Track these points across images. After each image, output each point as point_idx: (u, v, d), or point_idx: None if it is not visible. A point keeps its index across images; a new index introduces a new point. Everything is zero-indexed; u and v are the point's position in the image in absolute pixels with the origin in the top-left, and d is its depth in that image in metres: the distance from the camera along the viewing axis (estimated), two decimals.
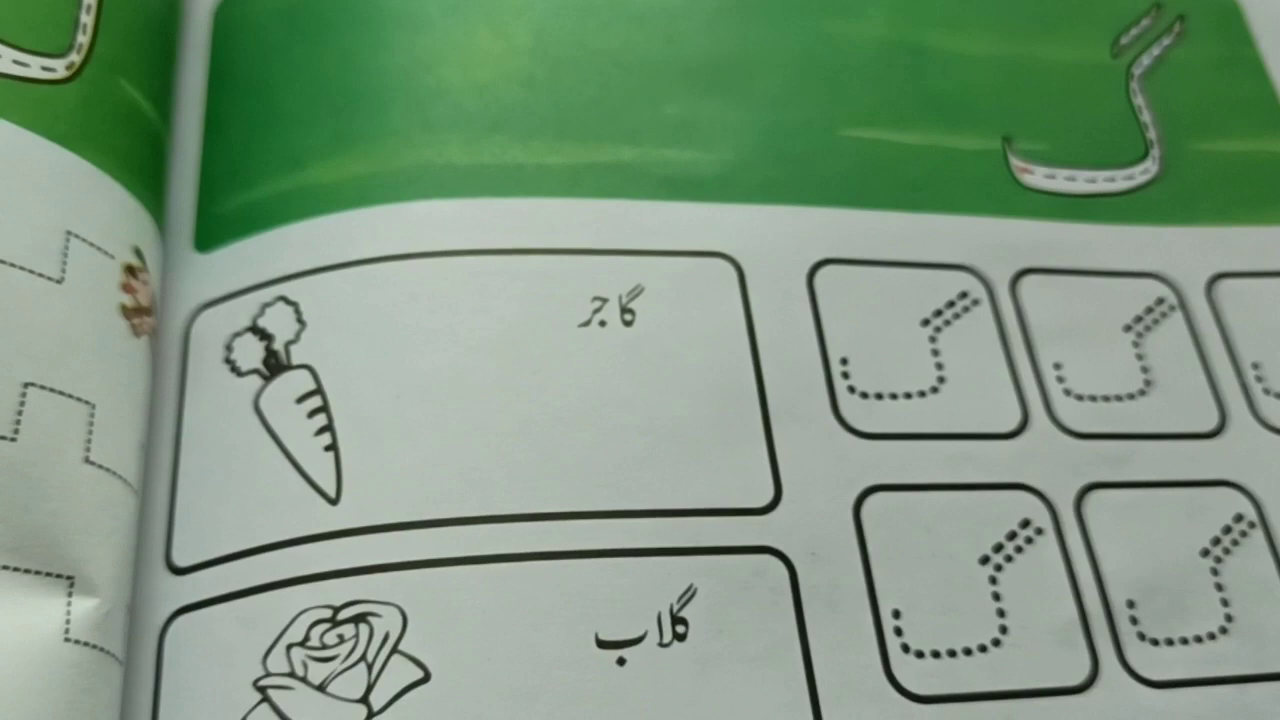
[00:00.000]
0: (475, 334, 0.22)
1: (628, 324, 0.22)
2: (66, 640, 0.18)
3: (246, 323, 0.22)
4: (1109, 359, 0.24)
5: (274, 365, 0.22)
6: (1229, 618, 0.22)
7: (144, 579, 0.20)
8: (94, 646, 0.18)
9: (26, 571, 0.18)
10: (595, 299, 0.23)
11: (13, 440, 0.18)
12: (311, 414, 0.21)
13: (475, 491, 0.21)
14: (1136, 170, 0.27)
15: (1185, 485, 0.23)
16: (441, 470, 0.21)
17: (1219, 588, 0.22)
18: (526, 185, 0.23)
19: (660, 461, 0.21)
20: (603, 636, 0.20)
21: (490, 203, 0.23)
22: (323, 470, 0.21)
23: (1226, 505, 0.23)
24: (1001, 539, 0.22)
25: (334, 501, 0.20)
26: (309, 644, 0.19)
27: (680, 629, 0.20)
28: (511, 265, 0.23)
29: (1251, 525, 0.23)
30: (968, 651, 0.21)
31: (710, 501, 0.21)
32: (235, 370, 0.22)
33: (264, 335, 0.22)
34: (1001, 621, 0.21)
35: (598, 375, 0.22)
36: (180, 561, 0.20)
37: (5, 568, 0.18)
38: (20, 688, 0.17)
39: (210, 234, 0.23)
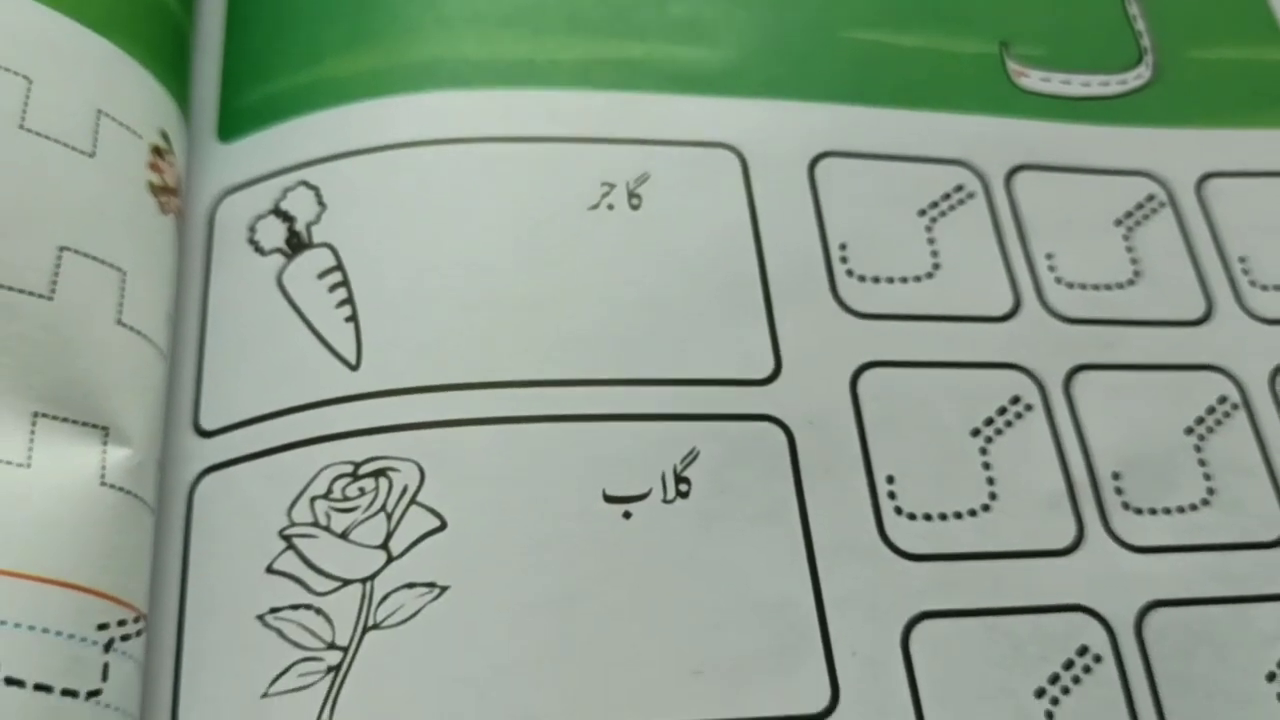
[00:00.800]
0: (489, 215, 0.23)
1: (635, 208, 0.23)
2: (103, 484, 0.19)
3: (269, 206, 0.23)
4: (1099, 250, 0.25)
5: (296, 244, 0.23)
6: (1211, 490, 0.23)
7: (173, 442, 0.21)
8: (128, 492, 0.19)
9: (64, 420, 0.19)
10: (604, 184, 0.23)
11: (49, 299, 0.19)
12: (332, 288, 0.22)
13: (488, 359, 0.21)
14: (1130, 75, 0.27)
15: (1172, 369, 0.24)
16: (456, 339, 0.22)
17: (1202, 463, 0.23)
18: (538, 78, 0.24)
19: (665, 335, 0.22)
20: (610, 492, 0.21)
21: (503, 93, 0.24)
22: (343, 339, 0.22)
23: (1211, 388, 0.24)
24: (992, 414, 0.23)
25: (354, 368, 0.21)
26: (331, 496, 0.20)
27: (683, 487, 0.21)
28: (523, 152, 0.24)
29: (1235, 407, 0.24)
30: (958, 515, 0.22)
31: (713, 373, 0.22)
32: (259, 250, 0.23)
33: (286, 217, 0.23)
34: (991, 489, 0.22)
35: (606, 254, 0.23)
36: (208, 425, 0.21)
37: (45, 415, 0.19)
38: (61, 524, 0.18)
39: (233, 124, 0.24)
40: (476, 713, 0.19)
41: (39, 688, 0.17)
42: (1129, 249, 0.25)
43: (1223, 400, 0.24)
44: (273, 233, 0.23)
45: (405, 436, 0.21)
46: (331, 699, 0.19)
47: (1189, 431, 0.23)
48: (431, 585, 0.20)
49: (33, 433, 0.19)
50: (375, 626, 0.19)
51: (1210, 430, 0.24)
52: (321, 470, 0.21)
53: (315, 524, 0.20)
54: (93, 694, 0.18)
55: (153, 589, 0.20)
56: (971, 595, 0.21)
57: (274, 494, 0.20)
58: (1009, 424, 0.23)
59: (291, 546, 0.20)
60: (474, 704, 0.19)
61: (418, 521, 0.20)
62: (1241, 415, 0.24)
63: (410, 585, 0.20)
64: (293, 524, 0.20)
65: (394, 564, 0.20)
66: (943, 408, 0.23)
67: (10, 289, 0.19)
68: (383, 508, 0.20)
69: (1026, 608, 0.21)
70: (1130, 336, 0.24)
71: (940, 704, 0.20)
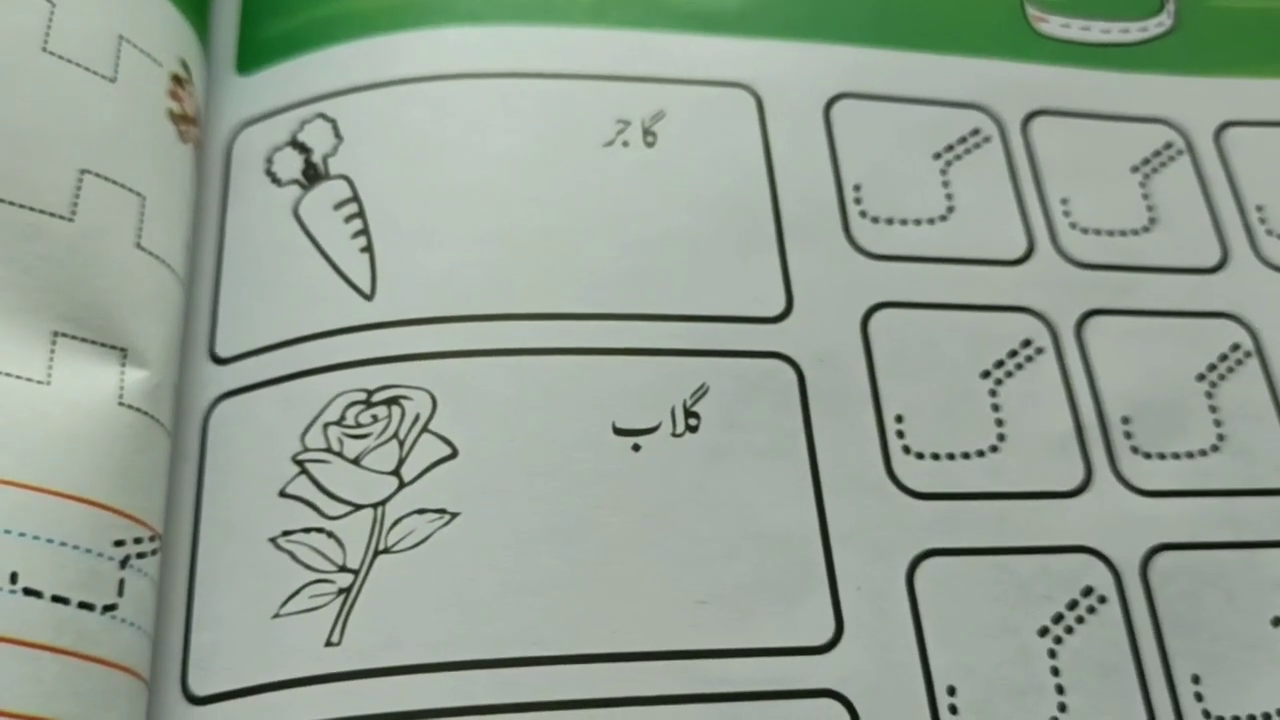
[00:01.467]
0: (504, 149, 0.23)
1: (649, 145, 0.23)
2: (120, 404, 0.19)
3: (286, 138, 0.23)
4: (1115, 196, 0.25)
5: (312, 175, 0.23)
6: (1221, 437, 0.23)
7: (189, 368, 0.22)
8: (145, 413, 0.20)
9: (83, 340, 0.19)
10: (619, 121, 0.24)
11: (70, 221, 0.20)
12: (348, 219, 0.22)
13: (501, 291, 0.22)
14: (1151, 23, 0.27)
15: (1185, 315, 0.24)
16: (470, 271, 0.22)
17: (1212, 409, 0.23)
18: (555, 14, 0.24)
19: (677, 271, 0.22)
20: (619, 425, 0.21)
21: (520, 29, 0.24)
22: (358, 269, 0.22)
23: (1224, 335, 0.24)
24: (1003, 356, 0.23)
25: (369, 298, 0.22)
26: (344, 423, 0.21)
27: (693, 421, 0.21)
28: (539, 88, 0.24)
29: (1248, 354, 0.24)
30: (966, 455, 0.22)
31: (724, 309, 0.22)
32: (275, 181, 0.23)
33: (303, 149, 0.23)
34: (999, 430, 0.22)
35: (620, 190, 0.23)
36: (223, 353, 0.22)
37: (64, 335, 0.19)
38: (79, 442, 0.19)
39: (252, 57, 0.24)
40: (484, 636, 0.19)
41: (56, 599, 0.17)
42: (1145, 195, 0.25)
43: (1235, 348, 0.24)
44: (290, 164, 0.23)
45: (418, 366, 0.21)
46: (342, 620, 0.19)
47: (1200, 378, 0.23)
48: (442, 511, 0.20)
49: (52, 351, 0.19)
50: (386, 550, 0.20)
51: (1222, 377, 0.24)
52: (335, 397, 0.21)
53: (328, 450, 0.20)
54: (108, 608, 0.18)
55: (167, 511, 0.20)
56: (977, 534, 0.21)
57: (288, 420, 0.21)
58: (1019, 366, 0.23)
59: (304, 471, 0.20)
60: (482, 627, 0.19)
61: (429, 449, 0.20)
62: (1254, 363, 0.24)
63: (421, 511, 0.20)
64: (306, 449, 0.21)
65: (405, 490, 0.20)
66: (953, 349, 0.23)
67: (31, 209, 0.19)
68: (395, 435, 0.21)
69: (1032, 548, 0.21)
70: (1144, 282, 0.24)
71: (943, 640, 0.20)
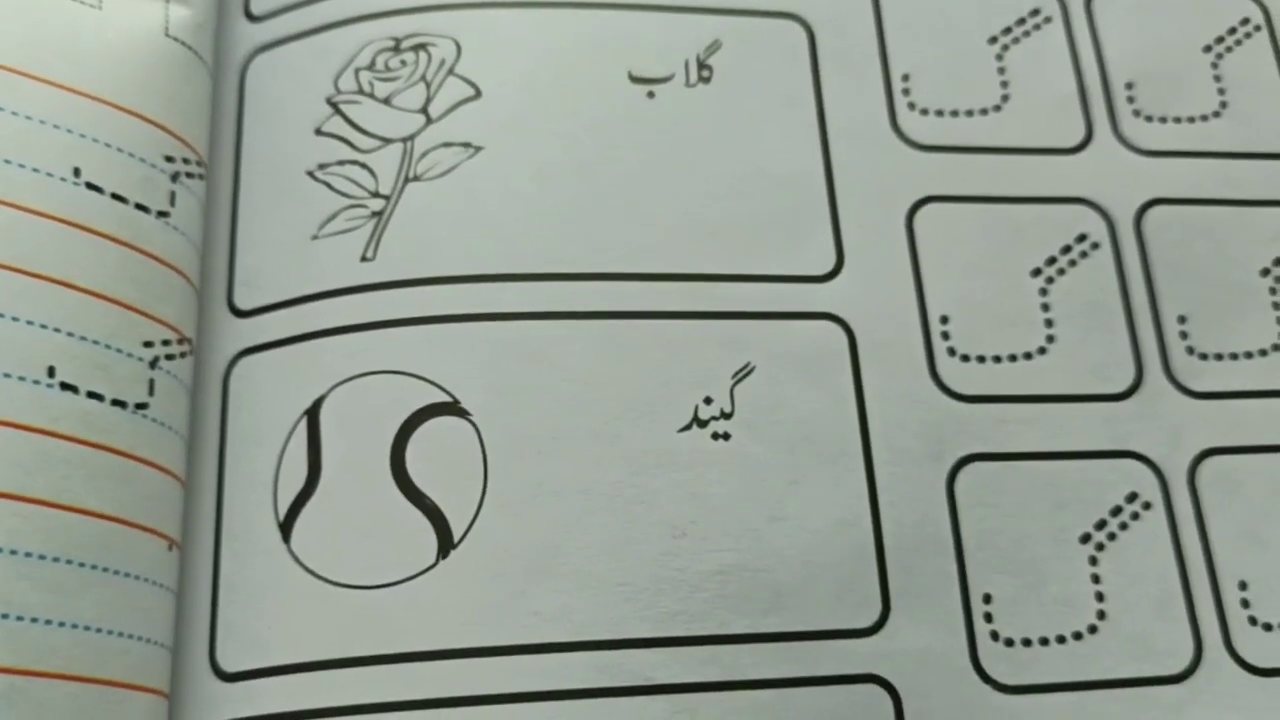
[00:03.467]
0: None
1: None
2: (167, 35, 0.21)
3: None
4: None
5: None
6: (1224, 104, 0.24)
7: (226, 26, 0.23)
8: (189, 47, 0.21)
9: None
10: None
11: None
12: None
13: None
14: None
15: None
16: None
17: (1217, 79, 0.24)
18: None
19: None
20: (635, 73, 0.22)
21: None
22: None
23: (1235, 8, 0.24)
24: (1010, 24, 0.24)
25: None
26: (375, 68, 0.22)
27: (705, 74, 0.22)
28: None
29: (1257, 28, 0.24)
30: (969, 113, 0.23)
31: None
32: None
33: None
34: (1004, 91, 0.23)
35: None
36: (257, 11, 0.23)
37: None
38: (132, 63, 0.20)
39: None
40: (508, 254, 0.21)
41: (115, 196, 0.19)
42: None
43: (1245, 21, 0.24)
44: None
45: (443, 15, 0.22)
46: (375, 238, 0.21)
47: (1207, 49, 0.24)
48: (467, 145, 0.21)
49: None
50: (416, 178, 0.21)
51: (1229, 49, 0.24)
52: (365, 45, 0.22)
53: (360, 91, 0.22)
54: (162, 214, 0.20)
55: (210, 152, 0.22)
56: (977, 184, 0.22)
57: (321, 67, 0.22)
58: (1026, 34, 0.24)
59: (338, 111, 0.22)
60: (506, 246, 0.21)
61: (454, 90, 0.22)
62: (1263, 36, 0.24)
63: (447, 144, 0.21)
64: (339, 92, 0.22)
65: (432, 126, 0.21)
66: (961, 15, 0.23)
67: None
68: (422, 77, 0.22)
69: (1030, 197, 0.22)
70: None
71: (938, 275, 0.22)
